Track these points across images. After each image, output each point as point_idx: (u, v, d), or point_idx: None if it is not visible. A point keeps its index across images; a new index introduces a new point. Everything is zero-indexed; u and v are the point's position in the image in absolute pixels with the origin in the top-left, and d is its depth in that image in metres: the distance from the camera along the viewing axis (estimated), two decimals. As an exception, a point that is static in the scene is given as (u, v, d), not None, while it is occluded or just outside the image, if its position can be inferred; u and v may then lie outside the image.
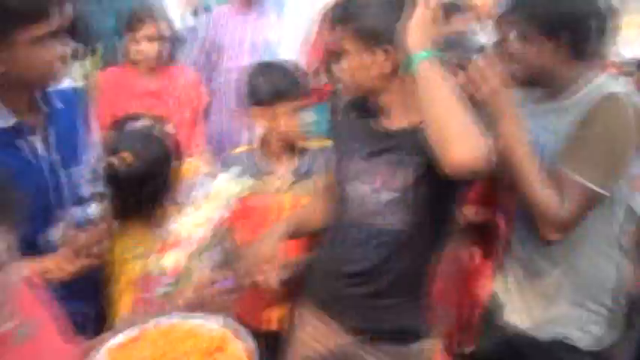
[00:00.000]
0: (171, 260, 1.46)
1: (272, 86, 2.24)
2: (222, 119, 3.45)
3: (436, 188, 1.67)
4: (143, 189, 1.87)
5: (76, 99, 2.05)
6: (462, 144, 1.50)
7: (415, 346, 1.94)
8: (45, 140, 1.85)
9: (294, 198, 2.30)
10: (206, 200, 1.52)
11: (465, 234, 2.27)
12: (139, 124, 1.96)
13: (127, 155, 1.83)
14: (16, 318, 1.16)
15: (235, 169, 1.59)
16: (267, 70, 2.35)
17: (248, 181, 1.58)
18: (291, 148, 2.33)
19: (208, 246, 1.50)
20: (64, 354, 1.31)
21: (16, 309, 1.17)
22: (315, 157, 2.33)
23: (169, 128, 1.99)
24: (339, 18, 1.78)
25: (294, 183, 2.31)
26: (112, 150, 1.88)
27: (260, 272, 1.88)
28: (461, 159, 1.50)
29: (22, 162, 1.78)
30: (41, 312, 1.30)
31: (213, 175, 1.61)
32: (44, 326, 1.28)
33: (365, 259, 1.85)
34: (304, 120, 2.27)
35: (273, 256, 1.89)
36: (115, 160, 1.83)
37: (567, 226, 1.85)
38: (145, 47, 3.02)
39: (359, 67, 1.74)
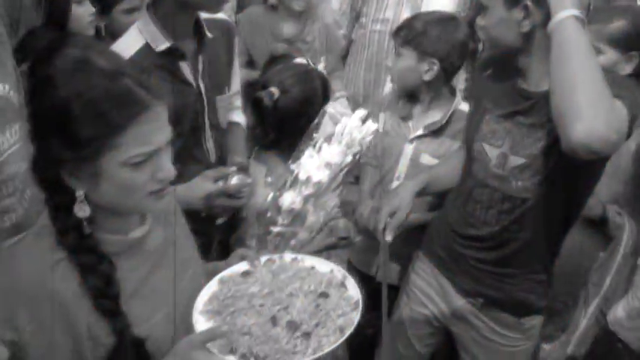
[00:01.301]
0: (287, 200, 1.48)
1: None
2: (362, 69, 3.42)
3: (569, 160, 1.50)
4: (286, 124, 1.92)
5: (226, 31, 2.09)
6: (590, 116, 1.33)
7: (527, 321, 1.89)
8: (194, 66, 1.90)
9: (415, 151, 2.24)
10: (327, 143, 1.50)
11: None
12: (293, 62, 1.99)
13: (274, 90, 1.86)
14: (148, 224, 1.25)
15: (360, 112, 1.55)
16: (426, 15, 2.27)
17: (372, 126, 1.53)
18: (434, 97, 2.24)
19: (325, 190, 1.49)
20: (195, 264, 1.39)
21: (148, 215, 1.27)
22: (457, 116, 2.22)
23: (321, 68, 1.98)
24: None
25: (422, 136, 2.24)
26: (263, 84, 1.92)
27: (381, 223, 1.84)
28: (585, 133, 1.33)
29: (175, 85, 1.84)
30: (177, 223, 1.38)
31: (335, 118, 1.58)
32: (180, 237, 1.36)
33: (486, 224, 1.81)
34: None
35: (400, 210, 1.85)
36: (263, 93, 1.87)
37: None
38: None
39: (497, 24, 1.64)
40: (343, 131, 1.51)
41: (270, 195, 1.53)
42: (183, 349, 1.11)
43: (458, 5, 3.16)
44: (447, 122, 2.20)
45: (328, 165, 1.48)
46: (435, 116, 2.23)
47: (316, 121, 1.61)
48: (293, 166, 1.51)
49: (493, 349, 1.94)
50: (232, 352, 1.11)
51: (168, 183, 1.16)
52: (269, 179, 1.95)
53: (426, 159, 2.22)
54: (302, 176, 1.47)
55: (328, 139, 1.51)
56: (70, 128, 1.03)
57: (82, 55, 1.06)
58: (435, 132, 2.22)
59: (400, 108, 2.29)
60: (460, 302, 1.96)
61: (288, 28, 3.12)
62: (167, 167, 1.13)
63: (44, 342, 1.09)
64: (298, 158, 1.52)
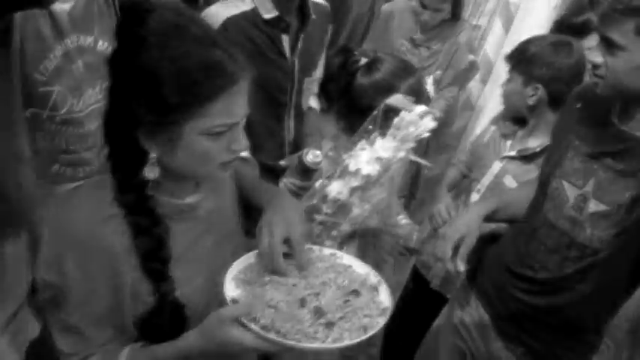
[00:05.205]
0: (334, 190, 1.47)
1: None
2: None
3: None
4: (340, 102, 1.85)
5: (325, 16, 2.12)
6: None
7: None
8: (294, 42, 1.95)
9: (501, 170, 2.20)
10: (382, 137, 1.48)
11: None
12: (384, 54, 1.91)
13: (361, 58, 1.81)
14: (202, 191, 1.27)
15: (420, 108, 1.50)
16: (538, 39, 2.23)
17: (430, 123, 1.49)
18: (538, 122, 2.17)
19: (373, 185, 1.46)
20: (238, 238, 1.40)
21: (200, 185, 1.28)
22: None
23: (427, 83, 1.94)
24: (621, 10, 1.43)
25: (513, 158, 2.18)
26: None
27: (448, 251, 1.70)
28: None
29: (272, 54, 1.89)
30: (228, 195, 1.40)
31: (395, 111, 1.56)
32: (229, 209, 1.38)
33: (545, 268, 1.69)
34: None
35: (468, 236, 1.71)
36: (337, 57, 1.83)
37: None
38: None
39: (634, 69, 1.43)
40: (400, 126, 1.49)
41: (318, 182, 1.52)
42: (212, 325, 1.11)
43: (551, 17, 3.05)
44: (542, 152, 2.09)
45: (379, 159, 1.46)
46: (534, 143, 2.16)
47: (374, 112, 1.57)
48: (345, 156, 1.49)
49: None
50: (254, 321, 1.11)
51: (238, 155, 1.17)
52: (331, 153, 1.89)
53: (509, 181, 2.17)
54: (352, 168, 1.46)
55: (383, 132, 1.48)
56: (159, 92, 1.03)
57: (176, 20, 1.06)
58: (526, 158, 2.15)
59: (504, 126, 2.28)
60: (498, 345, 1.85)
61: (420, 33, 3.14)
62: (242, 139, 1.14)
63: (86, 290, 1.11)
64: (351, 149, 1.51)
